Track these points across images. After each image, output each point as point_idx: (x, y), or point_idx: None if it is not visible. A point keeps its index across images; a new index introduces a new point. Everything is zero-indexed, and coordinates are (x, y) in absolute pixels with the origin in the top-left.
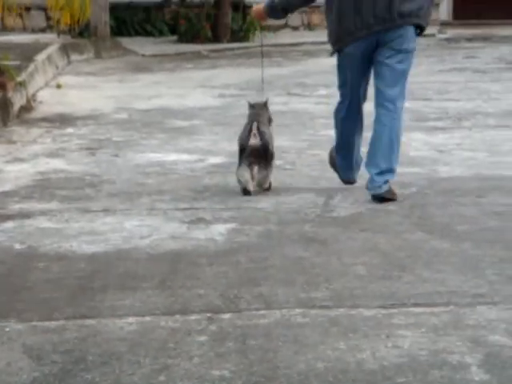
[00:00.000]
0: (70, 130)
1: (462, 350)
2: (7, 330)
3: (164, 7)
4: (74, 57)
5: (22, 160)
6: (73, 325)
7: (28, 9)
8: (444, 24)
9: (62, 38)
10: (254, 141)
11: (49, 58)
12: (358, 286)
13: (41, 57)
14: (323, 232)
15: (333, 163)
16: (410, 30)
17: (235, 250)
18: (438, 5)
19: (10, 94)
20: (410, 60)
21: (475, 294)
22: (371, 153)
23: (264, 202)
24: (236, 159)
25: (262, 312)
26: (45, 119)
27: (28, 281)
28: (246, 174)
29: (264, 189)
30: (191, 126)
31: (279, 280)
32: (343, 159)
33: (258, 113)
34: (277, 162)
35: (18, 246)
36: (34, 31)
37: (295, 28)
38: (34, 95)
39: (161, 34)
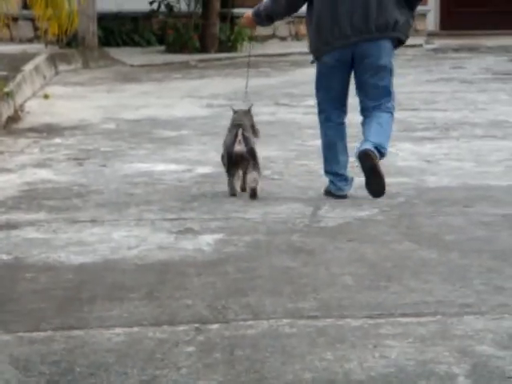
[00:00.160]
0: (57, 140)
1: (449, 360)
2: None
3: (152, 17)
4: (62, 67)
5: (9, 170)
6: (60, 336)
7: (15, 19)
8: (431, 34)
9: (50, 49)
10: (239, 147)
11: (36, 68)
12: (345, 296)
13: (28, 67)
14: (311, 242)
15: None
16: (387, 44)
17: (223, 261)
18: (424, 15)
19: None
20: (390, 74)
21: (462, 304)
22: (364, 137)
23: (252, 212)
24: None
25: (250, 322)
26: (32, 129)
27: (15, 292)
28: (234, 179)
29: (252, 189)
30: (179, 136)
31: (267, 290)
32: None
33: (242, 119)
34: (265, 172)
35: (4, 257)
36: (21, 41)
37: (283, 38)
38: (21, 105)
39: (149, 44)
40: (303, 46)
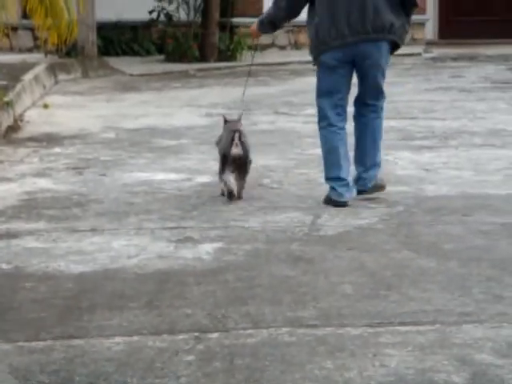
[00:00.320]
0: (57, 149)
1: (448, 368)
2: None
3: (151, 26)
4: (62, 76)
5: (9, 180)
6: (60, 345)
7: (15, 29)
8: (430, 43)
9: (50, 58)
10: (236, 150)
11: (36, 77)
12: (344, 304)
13: (28, 77)
14: (310, 251)
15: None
16: (385, 45)
17: (223, 269)
18: (423, 24)
19: None
20: (385, 73)
21: (461, 313)
22: (356, 152)
23: (251, 221)
24: None
25: (250, 331)
26: (32, 139)
27: (15, 301)
28: (231, 179)
29: (238, 196)
30: (179, 145)
31: (266, 299)
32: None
33: (237, 124)
34: (264, 180)
35: (4, 266)
36: (21, 51)
37: (282, 47)
38: (21, 115)
39: (148, 53)
40: (302, 55)
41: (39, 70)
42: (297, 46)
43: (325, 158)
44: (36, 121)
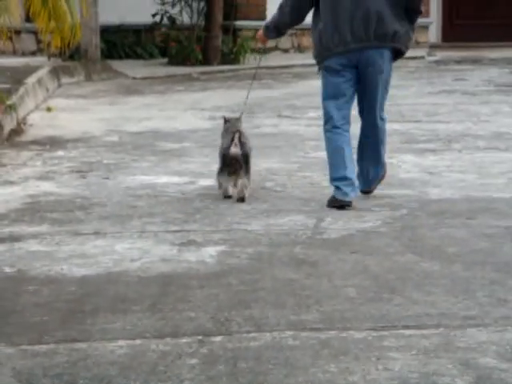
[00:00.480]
0: (60, 152)
1: (452, 372)
2: None
3: (154, 30)
4: (65, 80)
5: (12, 183)
6: (63, 348)
7: (18, 32)
8: (433, 46)
9: (53, 61)
10: (235, 150)
11: (39, 81)
12: (348, 308)
13: (31, 80)
14: (314, 254)
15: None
16: (387, 53)
17: (226, 273)
18: (426, 27)
19: (0, 117)
20: (389, 82)
21: (465, 316)
22: (360, 155)
23: (254, 224)
24: None
25: (253, 335)
26: (35, 142)
27: (18, 304)
28: (227, 179)
29: (240, 197)
30: (182, 148)
31: (270, 302)
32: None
33: (237, 125)
34: (267, 183)
35: (7, 270)
36: (24, 54)
37: (285, 50)
38: (24, 118)
39: (151, 56)
40: (306, 58)
41: (42, 73)
42: (300, 49)
43: (330, 159)
44: (39, 124)
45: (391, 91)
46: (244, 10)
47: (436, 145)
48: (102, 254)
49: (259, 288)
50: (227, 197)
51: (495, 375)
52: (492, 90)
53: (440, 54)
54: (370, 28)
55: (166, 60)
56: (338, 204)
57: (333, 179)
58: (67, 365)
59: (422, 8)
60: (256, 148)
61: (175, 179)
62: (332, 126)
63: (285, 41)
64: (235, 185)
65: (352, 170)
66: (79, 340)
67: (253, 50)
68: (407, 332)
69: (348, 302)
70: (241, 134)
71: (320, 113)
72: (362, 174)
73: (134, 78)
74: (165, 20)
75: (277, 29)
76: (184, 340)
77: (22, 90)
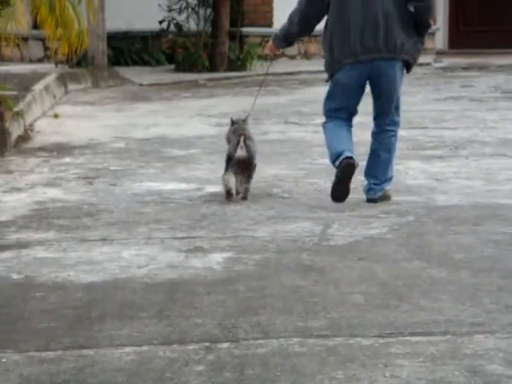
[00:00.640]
0: (67, 159)
1: (459, 379)
2: (4, 360)
3: (161, 36)
4: (72, 86)
5: (19, 189)
6: (70, 355)
7: (26, 39)
8: (440, 53)
9: (60, 68)
10: (241, 152)
11: (46, 87)
12: (355, 314)
13: (38, 87)
14: (321, 261)
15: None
16: (398, 64)
17: (233, 279)
18: (433, 34)
19: (7, 123)
20: (400, 90)
21: (473, 323)
22: (370, 165)
23: (261, 231)
24: None
25: (260, 341)
26: (42, 149)
27: (25, 311)
28: (231, 180)
29: (242, 197)
30: (188, 154)
31: (277, 309)
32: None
33: (244, 127)
34: (274, 190)
35: (15, 276)
36: (31, 61)
37: (292, 57)
38: (31, 125)
39: (158, 63)
40: (312, 65)
41: (49, 80)
42: (307, 55)
43: (329, 141)
44: (46, 131)
45: None
46: (251, 16)
47: (443, 151)
48: (108, 261)
49: (266, 294)
50: (229, 194)
51: (502, 382)
52: (499, 97)
53: (447, 61)
54: (379, 38)
55: (172, 67)
56: (342, 170)
57: (334, 155)
58: (74, 371)
59: (432, 22)
60: (263, 154)
61: (182, 186)
62: (335, 118)
63: (291, 47)
64: (239, 185)
65: (352, 148)
66: (86, 346)
67: (259, 57)
68: (414, 339)
69: (355, 308)
70: (246, 136)
71: None
72: (369, 184)
73: (141, 85)
74: (172, 27)
75: (286, 38)
76: (191, 347)
77: (29, 96)
